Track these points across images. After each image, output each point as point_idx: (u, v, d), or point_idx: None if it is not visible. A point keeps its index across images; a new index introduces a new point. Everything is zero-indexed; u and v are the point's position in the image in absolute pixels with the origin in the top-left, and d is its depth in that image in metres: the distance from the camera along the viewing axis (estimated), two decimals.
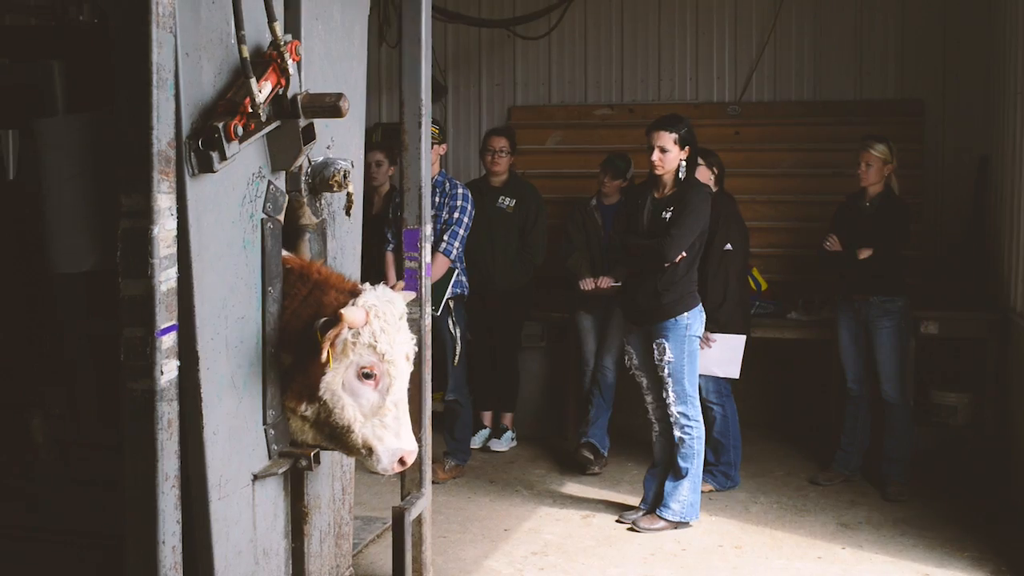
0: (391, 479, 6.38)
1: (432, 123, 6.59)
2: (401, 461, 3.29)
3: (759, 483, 6.55)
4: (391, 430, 3.26)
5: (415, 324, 3.92)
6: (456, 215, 6.51)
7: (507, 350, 7.31)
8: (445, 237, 6.47)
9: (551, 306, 7.58)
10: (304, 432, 3.35)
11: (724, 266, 6.19)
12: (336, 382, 3.20)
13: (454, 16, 8.36)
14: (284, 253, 3.34)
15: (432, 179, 6.53)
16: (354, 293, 3.27)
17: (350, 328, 3.14)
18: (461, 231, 6.52)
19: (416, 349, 3.42)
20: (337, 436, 3.27)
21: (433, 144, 6.54)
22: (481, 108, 8.95)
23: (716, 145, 6.91)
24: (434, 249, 6.26)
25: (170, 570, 2.60)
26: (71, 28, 4.19)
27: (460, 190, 6.62)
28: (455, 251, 6.50)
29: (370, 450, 3.26)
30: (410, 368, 3.34)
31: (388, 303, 3.28)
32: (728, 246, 6.21)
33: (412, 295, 3.64)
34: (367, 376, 3.22)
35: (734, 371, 6.31)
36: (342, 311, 3.12)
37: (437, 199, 6.50)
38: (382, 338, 3.22)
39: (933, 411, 7.08)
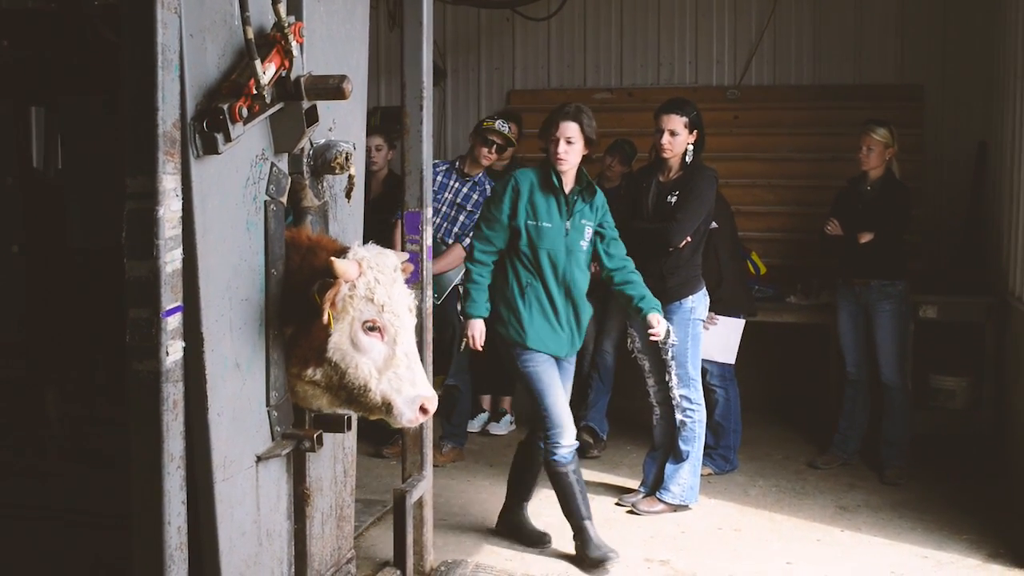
0: (392, 464, 6.42)
1: (506, 130, 6.66)
2: (422, 409, 3.21)
3: (758, 466, 6.58)
4: (406, 380, 3.19)
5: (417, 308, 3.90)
6: None
7: None
8: (472, 233, 6.54)
9: None
10: (318, 398, 3.30)
11: (713, 245, 6.17)
12: (344, 341, 3.15)
13: None
14: None
15: (476, 176, 6.63)
16: (344, 252, 3.22)
17: (344, 280, 3.09)
18: None
19: (417, 301, 3.38)
20: (355, 398, 3.21)
21: (501, 148, 6.68)
22: (480, 92, 8.93)
23: (715, 129, 6.90)
24: (458, 241, 6.57)
25: (175, 550, 2.60)
26: (70, 11, 4.16)
27: None
28: None
29: (389, 405, 3.18)
30: (414, 320, 3.28)
31: (380, 255, 3.24)
32: (713, 224, 6.20)
33: (406, 255, 3.58)
34: (372, 329, 3.17)
35: (730, 356, 6.33)
36: (332, 259, 3.07)
37: (476, 196, 6.65)
38: (378, 289, 3.16)
39: (931, 395, 7.11)
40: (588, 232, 5.14)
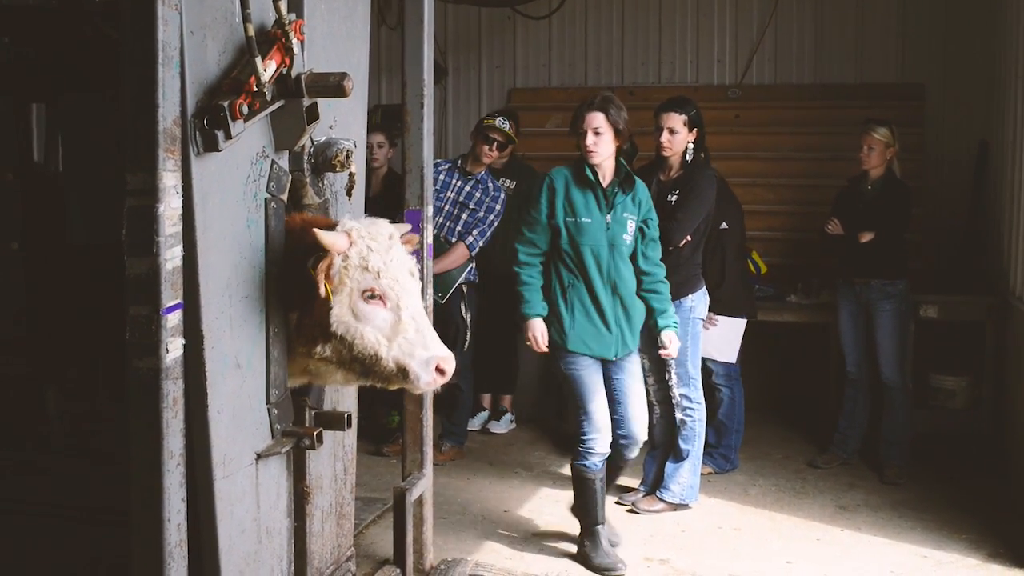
0: (392, 463, 6.42)
1: (506, 127, 6.68)
2: (439, 371, 3.14)
3: (758, 466, 6.58)
4: (418, 344, 3.12)
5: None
6: (491, 217, 6.66)
7: (506, 332, 7.32)
8: (474, 232, 6.60)
9: None
10: (332, 374, 3.26)
11: (721, 245, 6.19)
12: (346, 313, 3.09)
13: None
14: None
15: (478, 175, 6.64)
16: (335, 227, 3.18)
17: (335, 252, 3.05)
18: (489, 232, 6.62)
19: (419, 265, 3.33)
20: (369, 368, 3.14)
21: (502, 146, 6.71)
22: (481, 90, 8.93)
23: (716, 128, 6.90)
24: (461, 239, 6.57)
25: (175, 547, 2.60)
26: (70, 8, 4.17)
27: (502, 195, 6.75)
28: (478, 247, 6.60)
29: (404, 371, 3.12)
30: (417, 284, 3.23)
31: (371, 224, 3.21)
32: (724, 225, 6.21)
33: (407, 226, 3.55)
34: (372, 297, 3.11)
35: (731, 355, 6.32)
36: (315, 231, 3.02)
37: (478, 195, 6.67)
38: (371, 256, 3.11)
39: (931, 394, 7.10)
40: (631, 226, 5.04)
